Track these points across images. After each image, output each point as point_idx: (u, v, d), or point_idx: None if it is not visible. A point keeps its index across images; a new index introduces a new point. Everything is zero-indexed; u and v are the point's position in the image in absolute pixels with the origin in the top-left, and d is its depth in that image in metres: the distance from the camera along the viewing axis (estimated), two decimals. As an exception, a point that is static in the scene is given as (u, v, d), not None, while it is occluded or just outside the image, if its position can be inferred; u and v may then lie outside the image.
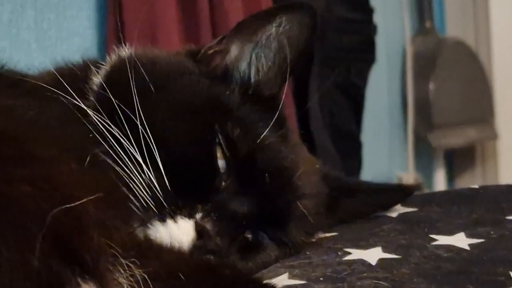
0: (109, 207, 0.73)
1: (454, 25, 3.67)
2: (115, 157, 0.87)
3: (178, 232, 0.87)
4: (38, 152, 0.71)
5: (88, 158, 0.78)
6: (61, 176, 0.70)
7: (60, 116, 0.86)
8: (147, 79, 0.93)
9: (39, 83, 0.90)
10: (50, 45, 1.70)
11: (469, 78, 3.46)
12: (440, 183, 3.53)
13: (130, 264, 0.69)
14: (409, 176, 3.26)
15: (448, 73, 3.37)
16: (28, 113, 0.81)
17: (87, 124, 0.89)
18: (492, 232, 1.02)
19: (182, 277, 0.70)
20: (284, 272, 0.89)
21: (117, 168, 0.87)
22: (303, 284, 0.84)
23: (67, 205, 0.64)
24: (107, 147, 0.87)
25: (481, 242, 0.98)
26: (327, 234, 1.07)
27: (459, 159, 3.72)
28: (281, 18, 0.98)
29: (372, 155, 2.74)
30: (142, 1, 1.77)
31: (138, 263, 0.70)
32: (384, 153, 3.24)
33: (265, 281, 0.78)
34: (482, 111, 3.53)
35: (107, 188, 0.77)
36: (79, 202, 0.66)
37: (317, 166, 1.09)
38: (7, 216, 0.62)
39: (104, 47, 1.80)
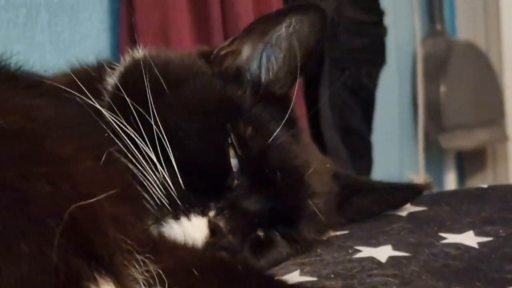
0: (124, 204, 0.74)
1: (464, 27, 3.66)
2: (130, 155, 0.89)
3: (192, 230, 0.88)
4: (56, 150, 0.72)
5: (103, 157, 0.79)
6: (78, 173, 0.71)
7: (76, 116, 0.88)
8: (161, 80, 0.94)
9: (55, 84, 0.92)
10: (64, 47, 1.72)
11: (479, 80, 3.46)
12: (451, 185, 3.52)
13: (145, 260, 0.71)
14: (419, 178, 3.25)
15: (458, 75, 3.37)
16: (45, 112, 0.82)
17: (102, 123, 0.90)
18: (501, 231, 1.02)
19: (196, 272, 0.71)
20: (296, 269, 0.90)
21: (132, 167, 0.88)
22: (314, 280, 0.86)
23: (84, 202, 0.66)
24: (121, 146, 0.89)
25: (490, 241, 0.99)
26: (338, 232, 1.08)
27: (470, 161, 3.71)
28: (291, 19, 0.98)
29: (383, 157, 2.74)
30: (154, 3, 1.78)
31: (153, 258, 0.71)
32: (395, 155, 3.23)
33: (277, 277, 0.79)
34: (493, 113, 3.52)
35: (122, 185, 0.77)
36: (95, 199, 0.67)
37: (328, 165, 1.10)
38: (26, 213, 0.63)
39: (117, 49, 1.81)
